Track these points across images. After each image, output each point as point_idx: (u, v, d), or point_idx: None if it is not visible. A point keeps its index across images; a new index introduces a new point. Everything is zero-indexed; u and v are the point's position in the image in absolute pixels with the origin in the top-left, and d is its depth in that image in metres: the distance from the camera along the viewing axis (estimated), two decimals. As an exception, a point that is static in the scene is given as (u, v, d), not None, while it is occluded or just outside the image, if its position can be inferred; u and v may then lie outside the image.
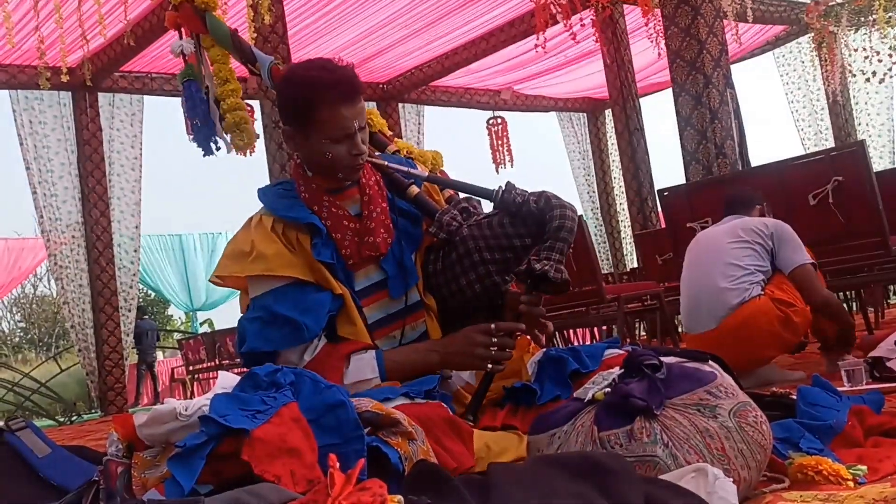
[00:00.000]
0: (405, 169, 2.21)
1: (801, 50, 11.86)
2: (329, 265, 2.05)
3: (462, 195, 2.28)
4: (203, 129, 2.50)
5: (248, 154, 2.73)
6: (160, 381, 13.91)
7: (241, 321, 2.06)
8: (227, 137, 2.56)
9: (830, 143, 11.46)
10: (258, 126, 8.87)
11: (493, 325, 2.00)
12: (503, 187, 2.11)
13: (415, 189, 2.21)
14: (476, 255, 2.11)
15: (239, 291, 2.19)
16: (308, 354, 2.01)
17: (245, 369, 1.78)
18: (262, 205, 2.17)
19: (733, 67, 6.56)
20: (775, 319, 3.40)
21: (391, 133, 3.00)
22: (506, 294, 2.19)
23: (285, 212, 2.08)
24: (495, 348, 1.98)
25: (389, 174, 2.20)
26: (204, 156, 2.68)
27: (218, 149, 2.57)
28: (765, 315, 3.40)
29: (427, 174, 2.23)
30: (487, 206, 2.22)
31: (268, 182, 6.60)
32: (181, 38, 2.55)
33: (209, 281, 2.24)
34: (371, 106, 10.82)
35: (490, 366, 1.98)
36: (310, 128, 2.02)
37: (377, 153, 2.51)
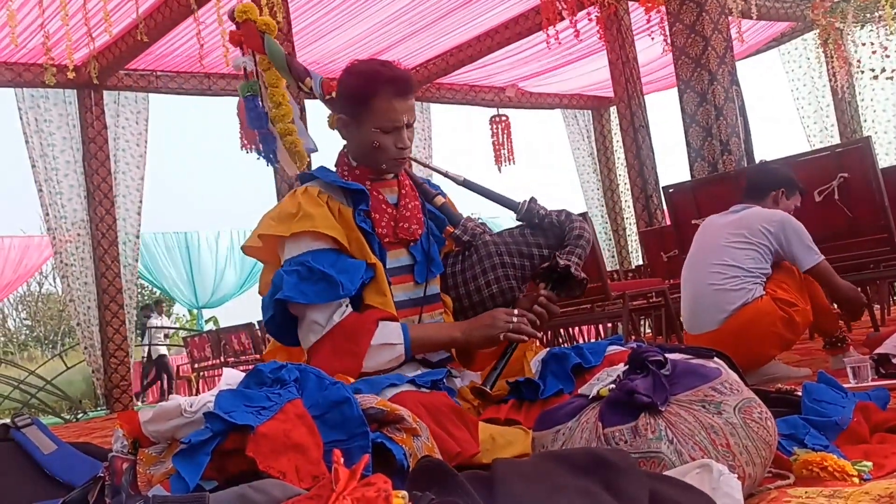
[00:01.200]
0: (444, 170, 2.39)
1: (806, 46, 11.83)
2: (367, 234, 2.16)
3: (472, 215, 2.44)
4: (269, 140, 2.64)
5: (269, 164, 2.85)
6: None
7: (278, 272, 2.12)
8: (281, 158, 2.69)
9: (836, 140, 11.43)
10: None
11: (516, 311, 2.15)
12: (527, 200, 2.29)
13: (440, 199, 2.36)
14: (497, 259, 2.26)
15: (263, 267, 2.28)
16: (337, 315, 2.08)
17: (251, 367, 1.78)
18: (302, 184, 2.26)
19: (738, 64, 6.55)
20: (778, 320, 3.39)
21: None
22: (517, 301, 2.29)
23: (334, 179, 2.22)
24: (515, 322, 2.11)
25: (419, 183, 2.36)
26: (268, 165, 2.81)
27: (278, 162, 2.71)
28: (767, 315, 3.39)
29: (464, 178, 2.37)
30: (504, 223, 2.35)
31: (273, 180, 6.62)
32: (243, 54, 2.68)
33: (241, 249, 2.34)
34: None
35: (511, 334, 2.11)
36: (363, 116, 2.18)
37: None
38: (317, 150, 2.71)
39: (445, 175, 2.41)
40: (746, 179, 3.84)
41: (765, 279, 3.48)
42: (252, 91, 2.67)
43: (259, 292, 2.26)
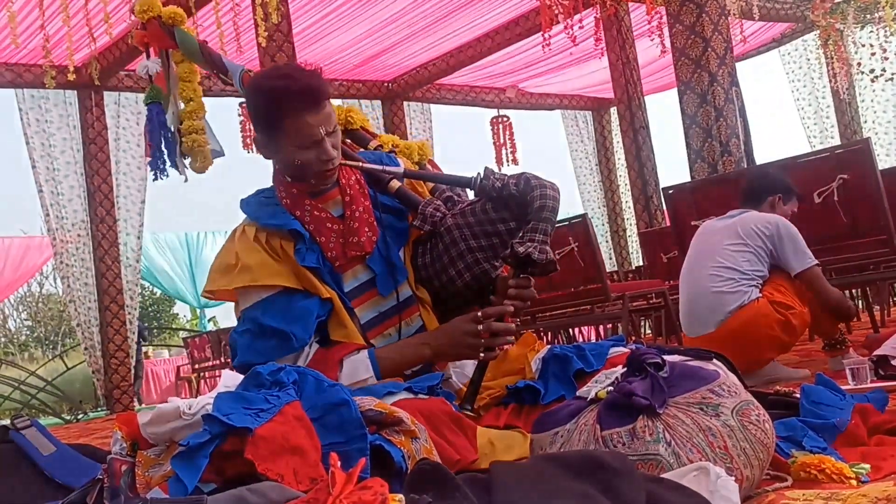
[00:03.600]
0: (380, 168, 2.21)
1: (806, 47, 11.83)
2: (314, 270, 2.06)
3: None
4: (159, 154, 2.50)
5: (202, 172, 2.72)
6: (167, 379, 13.91)
7: (232, 335, 2.08)
8: (186, 161, 2.56)
9: (836, 141, 11.43)
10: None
11: (479, 313, 2.01)
12: (481, 174, 2.12)
13: (396, 184, 2.23)
14: (462, 244, 2.13)
15: (232, 303, 2.20)
16: (301, 362, 2.01)
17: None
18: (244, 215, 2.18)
19: (738, 65, 6.55)
20: (774, 322, 3.40)
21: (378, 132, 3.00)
22: (497, 280, 2.20)
23: (267, 220, 2.10)
24: (485, 336, 1.98)
25: (371, 171, 2.21)
26: (154, 180, 2.69)
27: (167, 175, 2.57)
28: (764, 318, 3.40)
29: (404, 170, 2.23)
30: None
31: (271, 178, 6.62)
32: (148, 57, 2.53)
33: (201, 295, 2.26)
34: (376, 105, 10.82)
35: (482, 354, 1.99)
36: (278, 136, 2.05)
37: (359, 151, 2.51)
38: (224, 155, 2.59)
39: (383, 172, 2.22)
40: (744, 184, 3.86)
41: (761, 282, 3.49)
42: (154, 98, 2.54)
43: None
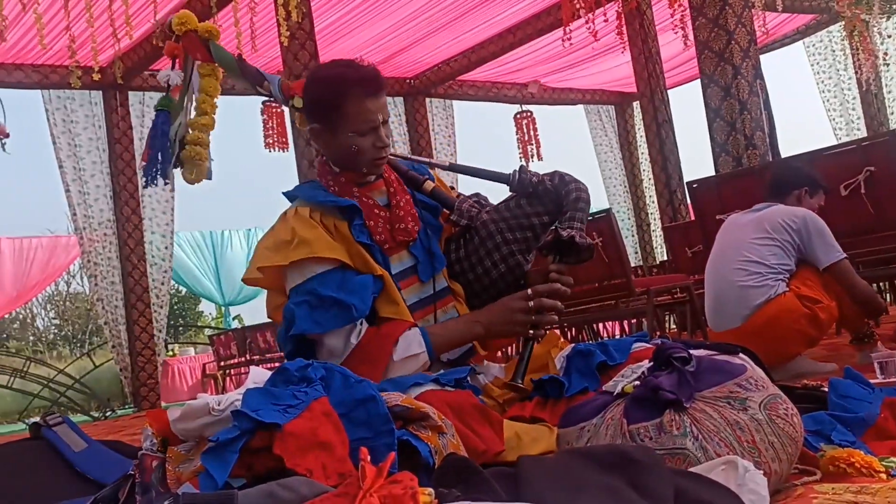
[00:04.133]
0: (427, 160, 2.34)
1: (831, 39, 11.71)
2: (368, 247, 2.12)
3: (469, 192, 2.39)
4: (156, 161, 2.51)
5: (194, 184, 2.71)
6: (193, 376, 14.00)
7: (288, 306, 2.09)
8: (178, 171, 2.56)
9: (862, 133, 11.32)
10: (287, 125, 8.94)
11: (529, 291, 2.10)
12: (517, 170, 2.21)
13: (430, 184, 2.31)
14: (498, 237, 2.21)
15: (266, 291, 2.22)
16: (354, 338, 2.06)
17: (277, 363, 1.80)
18: (290, 204, 2.21)
19: (762, 57, 6.50)
20: (802, 317, 3.36)
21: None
22: (529, 273, 2.25)
23: (323, 199, 2.16)
24: (535, 312, 2.07)
25: (404, 172, 2.30)
26: (144, 186, 2.67)
27: (156, 184, 2.57)
28: (791, 312, 3.36)
29: (449, 163, 2.37)
30: (499, 198, 2.32)
31: (297, 179, 6.65)
32: (173, 68, 2.54)
33: (242, 281, 2.27)
34: (399, 101, 10.83)
35: (531, 332, 2.08)
36: (337, 122, 2.11)
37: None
38: (210, 179, 2.58)
39: (430, 164, 2.38)
40: (770, 178, 3.81)
41: (788, 275, 3.46)
42: (165, 106, 2.55)
43: (268, 316, 2.23)
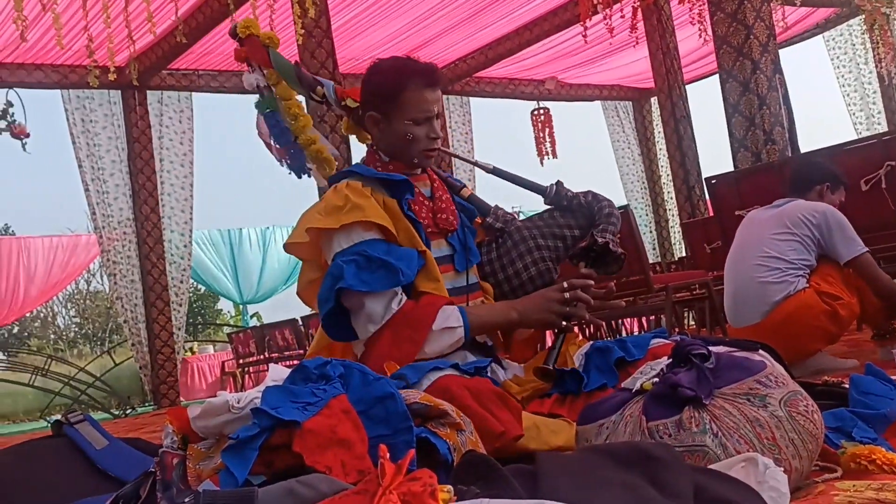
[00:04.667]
0: (473, 160, 2.47)
1: (851, 32, 11.62)
2: (414, 223, 2.17)
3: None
4: (297, 155, 2.63)
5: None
6: (212, 374, 14.08)
7: (336, 262, 2.10)
8: (313, 167, 2.68)
9: (883, 128, 11.24)
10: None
11: (564, 283, 2.17)
12: (554, 184, 2.34)
13: (468, 190, 2.40)
14: (531, 242, 2.30)
15: (301, 263, 2.27)
16: (395, 304, 2.09)
17: (295, 362, 1.80)
18: (341, 180, 2.24)
19: (781, 52, 6.46)
20: (821, 313, 3.33)
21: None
22: (555, 282, 2.29)
23: (375, 173, 2.22)
24: (570, 303, 2.14)
25: (445, 179, 2.39)
26: (299, 178, 2.78)
27: (307, 174, 2.70)
28: (810, 309, 3.34)
29: (492, 166, 2.43)
30: (531, 208, 2.39)
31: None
32: (251, 71, 2.65)
33: (284, 246, 2.31)
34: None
35: (564, 323, 2.14)
36: (395, 110, 2.20)
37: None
38: (339, 155, 2.70)
39: (475, 164, 2.47)
40: (790, 173, 3.79)
41: (808, 271, 3.43)
42: (271, 107, 2.65)
43: (298, 293, 2.27)
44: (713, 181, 4.95)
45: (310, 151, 2.61)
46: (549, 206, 2.38)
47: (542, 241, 2.30)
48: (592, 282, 2.20)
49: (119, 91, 9.15)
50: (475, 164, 2.46)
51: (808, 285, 3.38)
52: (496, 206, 2.39)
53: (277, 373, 1.65)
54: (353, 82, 6.13)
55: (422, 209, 2.23)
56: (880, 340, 3.54)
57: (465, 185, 2.41)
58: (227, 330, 17.33)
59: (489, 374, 1.94)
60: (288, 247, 2.25)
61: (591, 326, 7.03)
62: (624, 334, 7.69)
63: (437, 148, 2.25)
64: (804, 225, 3.43)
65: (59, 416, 1.97)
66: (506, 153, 11.62)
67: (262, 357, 11.14)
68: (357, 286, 2.04)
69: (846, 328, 3.55)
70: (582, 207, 2.31)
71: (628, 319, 8.45)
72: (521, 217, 2.47)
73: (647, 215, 12.18)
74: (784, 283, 3.39)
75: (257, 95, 2.65)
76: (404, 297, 2.11)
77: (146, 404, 9.97)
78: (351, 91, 2.36)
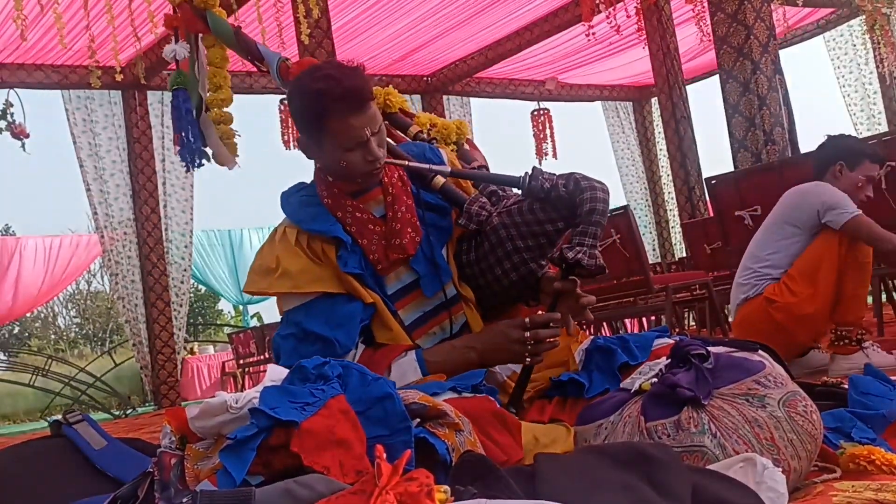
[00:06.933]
0: (427, 167, 2.17)
1: (852, 33, 11.60)
2: (357, 276, 2.04)
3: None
4: (190, 142, 2.44)
5: (231, 168, 2.60)
6: (212, 374, 14.08)
7: (275, 338, 2.07)
8: (210, 152, 2.49)
9: (883, 128, 11.22)
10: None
11: (527, 319, 1.98)
12: (529, 173, 2.07)
13: (440, 180, 2.20)
14: (509, 244, 2.10)
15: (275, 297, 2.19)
16: None
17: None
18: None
19: (781, 52, 6.46)
20: (765, 321, 3.33)
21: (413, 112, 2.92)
22: (543, 279, 2.19)
23: (309, 224, 2.07)
24: (532, 342, 1.96)
25: (414, 167, 2.17)
26: (186, 171, 2.62)
27: (200, 165, 2.50)
28: (757, 315, 3.39)
29: (450, 170, 2.20)
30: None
31: (312, 174, 6.65)
32: (176, 41, 2.48)
33: (243, 292, 2.26)
34: (416, 99, 10.83)
35: (528, 359, 1.97)
36: (322, 138, 2.02)
37: (401, 143, 2.47)
38: (238, 156, 2.53)
39: (430, 171, 2.18)
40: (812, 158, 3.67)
41: (781, 271, 3.38)
42: (180, 83, 2.48)
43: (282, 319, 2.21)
44: (713, 181, 4.95)
45: (218, 130, 2.44)
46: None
47: (521, 242, 2.09)
48: (558, 316, 1.99)
49: (120, 91, 9.15)
50: (430, 171, 2.18)
51: (762, 292, 3.38)
52: (470, 199, 2.18)
53: (276, 373, 1.65)
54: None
55: (370, 241, 2.06)
56: (839, 348, 3.37)
57: (435, 174, 2.18)
58: (227, 330, 17.33)
59: (486, 386, 1.90)
60: (247, 292, 2.19)
61: (591, 327, 7.03)
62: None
63: (380, 168, 2.04)
64: (794, 210, 3.39)
65: (58, 417, 1.97)
66: (506, 154, 11.63)
67: (262, 357, 11.15)
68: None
69: (812, 331, 3.46)
70: (562, 199, 2.04)
71: (628, 319, 8.45)
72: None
73: (647, 215, 12.17)
74: (747, 286, 3.44)
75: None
76: (360, 352, 2.04)
77: (147, 404, 9.97)
78: (297, 67, 2.14)
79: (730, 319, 3.78)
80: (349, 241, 2.06)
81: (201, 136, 2.42)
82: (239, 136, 2.44)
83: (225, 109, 2.43)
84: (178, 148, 2.45)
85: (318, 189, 2.13)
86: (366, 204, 2.11)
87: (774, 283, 3.39)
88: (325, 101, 1.96)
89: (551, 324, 1.99)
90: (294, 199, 2.17)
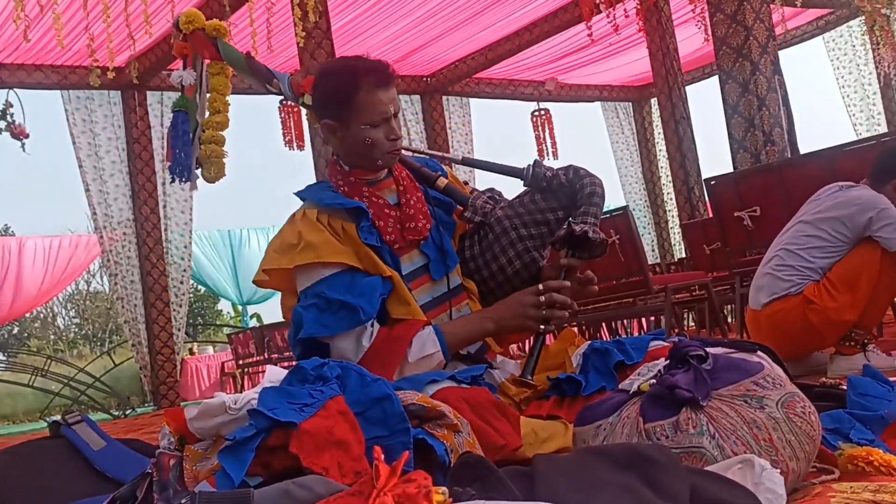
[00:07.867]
0: (439, 154, 2.34)
1: (851, 34, 11.61)
2: (376, 248, 2.12)
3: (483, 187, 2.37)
4: (182, 160, 2.50)
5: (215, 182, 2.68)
6: (211, 375, 14.08)
7: (296, 310, 2.10)
8: (199, 170, 2.56)
9: (883, 129, 11.22)
10: (304, 123, 8.97)
11: (540, 286, 2.09)
12: (531, 165, 2.21)
13: (443, 180, 2.29)
14: (513, 233, 2.20)
15: (280, 293, 2.23)
16: (366, 340, 2.06)
17: (294, 362, 1.80)
18: (301, 203, 2.22)
19: (781, 53, 6.46)
20: (798, 321, 3.28)
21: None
22: (543, 270, 2.24)
23: (331, 201, 2.15)
24: (546, 307, 2.07)
25: (417, 169, 2.29)
26: (171, 182, 2.69)
27: (187, 180, 2.56)
28: (789, 314, 3.31)
29: (461, 157, 2.36)
30: (512, 192, 2.31)
31: (314, 174, 6.67)
32: (184, 68, 2.54)
33: (252, 282, 2.28)
34: (416, 100, 10.84)
35: (542, 326, 2.08)
36: (349, 115, 2.11)
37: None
38: (225, 175, 2.58)
39: (443, 158, 2.38)
40: (874, 160, 3.51)
41: (821, 274, 3.32)
42: (182, 106, 2.54)
43: (283, 317, 2.23)
44: (712, 182, 4.95)
45: (206, 148, 2.48)
46: (528, 189, 2.26)
47: (525, 230, 2.20)
48: (568, 283, 2.11)
49: (119, 91, 9.15)
50: (441, 157, 2.37)
51: (802, 291, 3.32)
52: (474, 194, 2.29)
53: (274, 374, 1.65)
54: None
55: (387, 223, 2.15)
56: (845, 348, 3.35)
57: (441, 174, 2.30)
58: (226, 330, 17.33)
59: (485, 381, 1.93)
60: (257, 283, 2.22)
61: (591, 328, 7.03)
62: (623, 335, 7.68)
63: (400, 148, 2.16)
64: (845, 218, 3.29)
65: (57, 417, 1.97)
66: (506, 154, 11.64)
67: (261, 358, 11.15)
68: (319, 332, 2.03)
69: (843, 332, 3.38)
70: (563, 187, 2.19)
71: (627, 320, 8.45)
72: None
73: (646, 216, 12.18)
74: (788, 283, 3.33)
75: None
76: (376, 329, 2.08)
77: (146, 405, 9.97)
78: (307, 82, 2.24)
79: (744, 309, 3.67)
80: (370, 215, 2.14)
81: (194, 156, 2.50)
82: (226, 158, 2.51)
83: (220, 132, 2.50)
84: (168, 163, 2.51)
85: (334, 182, 2.22)
86: (380, 192, 2.20)
87: (815, 284, 3.32)
88: (355, 74, 2.09)
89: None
90: (313, 187, 2.28)
